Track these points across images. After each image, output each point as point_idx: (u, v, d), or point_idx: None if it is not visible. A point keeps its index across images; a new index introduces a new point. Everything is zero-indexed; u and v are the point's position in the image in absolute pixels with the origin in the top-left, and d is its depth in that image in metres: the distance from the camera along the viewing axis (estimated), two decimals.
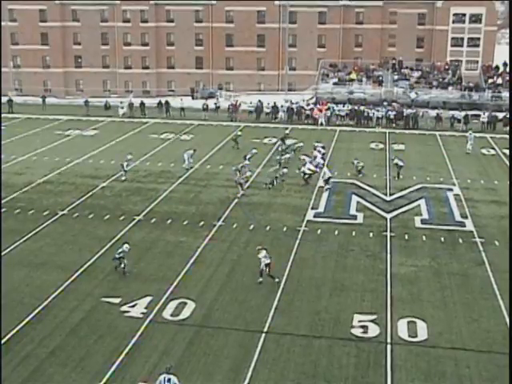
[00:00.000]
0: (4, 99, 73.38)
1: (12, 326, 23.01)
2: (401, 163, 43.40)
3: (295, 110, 65.30)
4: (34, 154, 49.32)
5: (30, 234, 32.35)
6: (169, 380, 18.31)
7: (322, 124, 62.25)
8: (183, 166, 45.19)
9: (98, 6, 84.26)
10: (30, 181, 42.02)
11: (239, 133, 51.63)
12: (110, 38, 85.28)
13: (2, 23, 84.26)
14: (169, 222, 34.36)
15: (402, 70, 76.34)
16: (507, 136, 55.96)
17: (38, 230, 33.08)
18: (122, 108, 67.96)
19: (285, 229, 33.45)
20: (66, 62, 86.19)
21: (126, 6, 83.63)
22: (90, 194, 39.40)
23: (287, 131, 55.49)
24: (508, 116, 60.11)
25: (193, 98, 75.05)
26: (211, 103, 68.94)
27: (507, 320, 23.84)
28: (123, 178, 42.35)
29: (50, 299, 25.29)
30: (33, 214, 35.56)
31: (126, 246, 28.20)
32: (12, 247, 30.62)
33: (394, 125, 61.77)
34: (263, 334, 22.73)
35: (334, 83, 73.71)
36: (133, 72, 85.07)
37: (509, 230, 33.63)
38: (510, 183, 41.92)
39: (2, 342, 22.04)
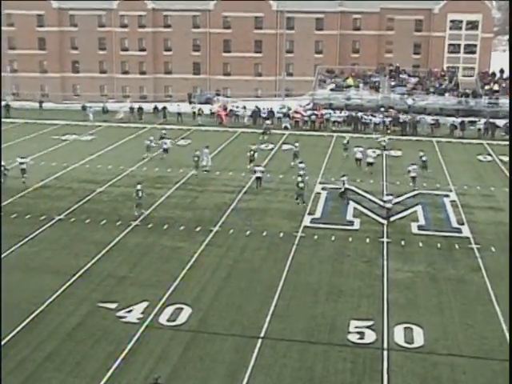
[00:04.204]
0: (1, 104, 73.40)
1: (8, 331, 22.97)
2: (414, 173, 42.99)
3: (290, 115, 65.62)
4: (30, 159, 49.18)
5: (26, 239, 32.31)
6: None
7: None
8: (203, 163, 45.68)
9: (96, 11, 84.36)
10: (27, 185, 41.96)
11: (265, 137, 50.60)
12: (107, 43, 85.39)
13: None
14: (165, 227, 34.35)
15: (399, 76, 76.51)
16: (505, 142, 56.08)
17: (34, 234, 33.05)
18: (121, 113, 68.11)
19: (281, 234, 33.46)
20: (63, 66, 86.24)
21: (124, 12, 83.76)
22: (87, 198, 39.38)
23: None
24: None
25: (190, 104, 75.03)
26: (206, 109, 69.07)
27: (503, 326, 23.86)
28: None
29: (46, 304, 25.26)
30: (29, 218, 35.53)
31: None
32: (8, 251, 30.58)
33: (389, 131, 61.80)
34: (259, 340, 22.72)
35: (331, 89, 73.83)
36: (130, 77, 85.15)
37: (509, 234, 33.70)
38: (510, 189, 41.88)
39: None
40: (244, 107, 68.49)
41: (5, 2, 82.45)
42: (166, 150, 50.49)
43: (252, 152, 47.39)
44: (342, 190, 39.88)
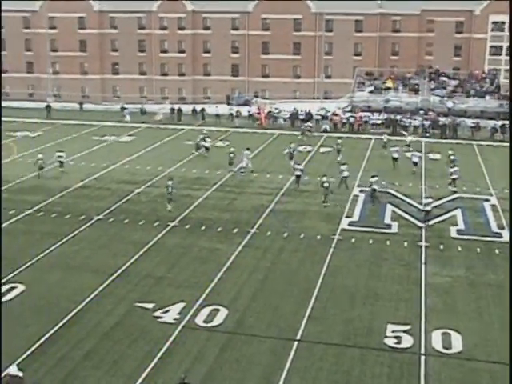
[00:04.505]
0: (43, 105, 74.67)
1: (48, 329, 23.31)
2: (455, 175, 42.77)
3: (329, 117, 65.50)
4: (71, 159, 49.90)
5: (66, 238, 32.74)
6: None
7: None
8: (243, 165, 45.97)
9: (136, 14, 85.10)
10: (67, 185, 42.55)
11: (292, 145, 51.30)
12: (147, 45, 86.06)
13: (42, 30, 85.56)
14: (203, 228, 34.50)
15: (439, 79, 75.67)
16: None
17: (74, 233, 33.47)
18: (159, 114, 68.75)
19: (319, 237, 33.36)
20: (104, 68, 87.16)
21: (164, 14, 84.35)
22: (126, 199, 39.76)
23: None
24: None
25: (228, 105, 75.25)
26: (244, 110, 69.28)
27: None
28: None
29: (85, 302, 25.56)
30: (69, 218, 36.00)
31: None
32: (49, 250, 31.03)
33: (428, 134, 61.24)
34: (296, 342, 22.67)
35: (370, 91, 73.37)
36: (169, 79, 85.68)
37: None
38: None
39: (39, 343, 22.35)
40: (277, 108, 68.60)
41: (48, 6, 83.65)
42: (207, 149, 51.85)
43: (291, 149, 48.26)
44: (370, 190, 39.98)
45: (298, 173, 42.76)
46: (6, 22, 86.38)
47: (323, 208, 38.28)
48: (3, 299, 25.79)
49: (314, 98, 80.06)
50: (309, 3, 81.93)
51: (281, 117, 67.09)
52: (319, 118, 65.57)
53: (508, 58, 78.91)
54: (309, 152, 53.78)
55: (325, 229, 34.59)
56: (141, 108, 71.46)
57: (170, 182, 38.19)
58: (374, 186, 39.94)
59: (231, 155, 47.27)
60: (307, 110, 66.56)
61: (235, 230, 34.14)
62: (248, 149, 47.83)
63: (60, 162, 46.86)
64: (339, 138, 51.68)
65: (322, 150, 55.08)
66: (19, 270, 28.65)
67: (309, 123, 62.81)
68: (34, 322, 23.92)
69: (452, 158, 46.69)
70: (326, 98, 78.09)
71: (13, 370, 18.15)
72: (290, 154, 48.53)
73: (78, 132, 62.22)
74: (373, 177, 40.63)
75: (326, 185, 39.31)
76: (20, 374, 18.31)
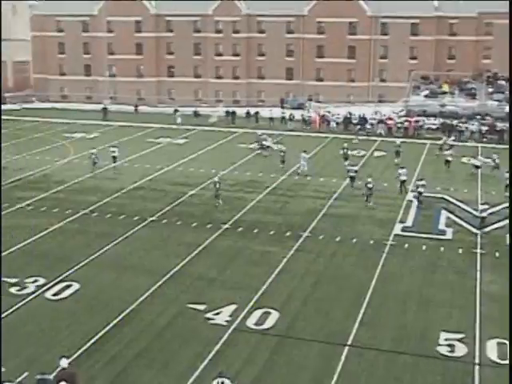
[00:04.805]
0: (99, 107, 76.01)
1: (101, 327, 23.66)
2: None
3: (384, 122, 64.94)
4: (125, 161, 50.66)
5: (120, 238, 33.19)
6: (222, 383, 18.56)
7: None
8: (300, 168, 46.13)
9: (192, 17, 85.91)
10: (122, 186, 43.17)
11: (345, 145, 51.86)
12: (202, 48, 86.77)
13: (100, 34, 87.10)
14: (255, 231, 34.55)
15: (497, 83, 74.23)
16: None
17: (128, 234, 33.91)
18: (214, 116, 69.30)
19: (372, 242, 33.07)
20: (159, 71, 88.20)
21: (219, 17, 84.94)
22: (179, 201, 40.11)
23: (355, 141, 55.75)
24: None
25: (282, 108, 75.25)
26: (298, 114, 69.23)
27: None
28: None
29: (137, 302, 25.84)
30: (123, 218, 36.50)
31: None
32: (102, 250, 31.50)
33: (485, 139, 60.18)
34: (346, 347, 22.50)
35: (426, 96, 72.46)
36: (223, 82, 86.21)
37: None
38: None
39: (92, 341, 22.72)
40: (329, 112, 68.41)
41: (106, 10, 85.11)
42: (267, 148, 53.40)
43: (345, 150, 49.37)
44: (416, 194, 39.93)
45: (352, 174, 42.74)
46: (66, 26, 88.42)
47: (376, 212, 37.95)
48: (59, 296, 26.33)
49: (367, 102, 79.48)
50: (364, 6, 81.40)
51: (333, 120, 66.79)
52: (374, 122, 65.03)
53: None
54: (362, 156, 53.37)
55: (378, 234, 34.27)
56: (194, 110, 72.01)
57: (216, 179, 39.68)
58: (420, 189, 39.61)
59: (281, 153, 48.41)
60: (361, 114, 66.13)
61: (288, 234, 34.10)
62: (305, 151, 47.79)
63: (113, 156, 48.93)
64: (398, 140, 51.79)
65: (376, 154, 54.64)
66: (74, 268, 29.17)
67: (369, 126, 62.80)
68: (87, 320, 24.32)
69: (497, 161, 46.58)
70: (380, 102, 77.50)
71: (63, 363, 18.53)
72: (344, 155, 49.59)
73: (133, 134, 63.11)
74: (419, 180, 40.61)
75: (369, 186, 39.40)
76: (67, 364, 18.68)
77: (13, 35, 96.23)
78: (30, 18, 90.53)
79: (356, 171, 43.26)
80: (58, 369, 18.64)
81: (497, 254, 31.48)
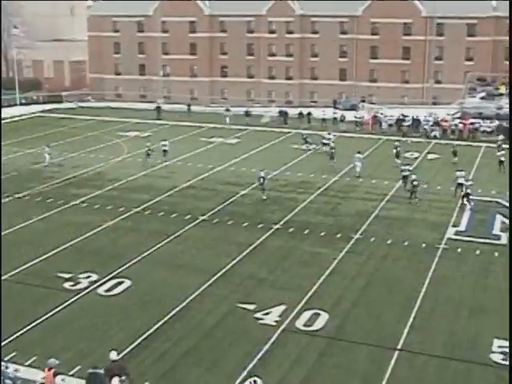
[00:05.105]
0: (153, 106, 76.91)
1: (151, 324, 23.94)
2: None
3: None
4: (178, 160, 51.13)
5: (172, 237, 33.52)
6: (255, 382, 18.66)
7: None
8: (357, 169, 46.13)
9: (245, 18, 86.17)
10: (174, 185, 43.59)
11: (397, 143, 52.12)
12: (255, 49, 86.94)
13: (155, 34, 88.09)
14: (306, 232, 34.48)
15: None
16: None
17: (179, 232, 34.22)
18: (266, 116, 69.44)
19: (424, 245, 32.66)
20: (213, 71, 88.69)
21: (272, 18, 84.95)
22: (230, 200, 40.29)
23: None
24: None
25: (334, 109, 74.85)
26: (350, 115, 68.81)
27: None
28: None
29: (187, 301, 26.06)
30: (175, 217, 36.84)
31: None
32: (155, 248, 31.86)
33: None
34: (396, 351, 22.27)
35: (482, 98, 71.15)
36: (276, 82, 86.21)
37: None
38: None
39: (143, 337, 23.01)
40: (382, 113, 67.80)
41: (161, 10, 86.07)
42: (326, 145, 53.88)
43: (398, 148, 49.85)
44: (464, 192, 39.59)
45: (405, 173, 42.35)
46: (122, 26, 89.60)
47: (429, 216, 37.46)
48: (111, 292, 26.75)
49: (422, 104, 78.50)
50: (419, 7, 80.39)
51: (386, 122, 66.13)
52: (428, 123, 64.15)
53: None
54: (416, 158, 52.70)
55: (430, 237, 33.82)
56: (245, 110, 72.22)
57: (262, 174, 40.64)
58: (468, 191, 39.14)
59: (332, 150, 49.52)
60: (415, 116, 65.33)
61: (338, 235, 33.93)
62: (359, 152, 47.50)
63: (164, 150, 50.53)
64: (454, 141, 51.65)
65: (430, 156, 53.87)
66: (126, 265, 29.58)
67: (429, 128, 62.41)
68: (138, 317, 24.64)
69: None
70: (434, 104, 76.45)
71: (113, 355, 18.86)
72: (396, 153, 50.10)
73: (186, 133, 63.63)
74: (467, 181, 40.45)
75: (415, 183, 39.76)
76: (117, 357, 19.02)
77: (70, 35, 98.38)
78: (87, 19, 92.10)
79: (410, 170, 42.80)
80: (109, 362, 18.97)
81: None
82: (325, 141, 54.85)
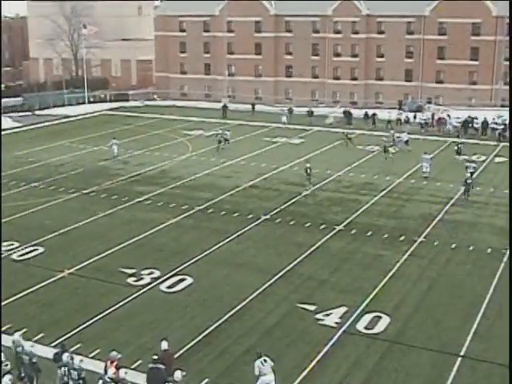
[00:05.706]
0: (218, 105, 77.52)
1: (212, 322, 24.12)
2: None
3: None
4: (242, 159, 51.36)
5: (233, 236, 33.68)
6: (265, 360, 18.93)
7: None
8: (424, 170, 45.95)
9: (311, 18, 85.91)
10: (237, 184, 43.81)
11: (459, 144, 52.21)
12: (320, 49, 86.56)
13: (220, 34, 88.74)
14: (368, 234, 34.16)
15: None
16: None
17: (241, 232, 34.36)
18: (330, 117, 69.17)
19: (489, 250, 31.93)
20: (277, 71, 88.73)
21: (338, 18, 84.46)
22: (293, 201, 40.23)
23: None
24: None
25: (400, 110, 73.94)
26: (413, 116, 67.96)
27: None
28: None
29: (248, 300, 26.16)
30: (237, 216, 37.01)
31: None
32: (216, 247, 32.08)
33: None
34: (459, 358, 21.85)
35: None
36: (341, 83, 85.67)
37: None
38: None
39: (203, 334, 23.22)
40: (448, 115, 66.62)
41: (227, 10, 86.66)
42: (406, 142, 55.47)
43: (459, 145, 50.54)
44: None
45: (471, 170, 41.92)
46: (188, 26, 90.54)
47: (496, 220, 36.62)
48: (173, 289, 27.07)
49: (490, 106, 76.79)
50: (490, 6, 78.64)
51: (452, 124, 64.92)
52: (495, 126, 62.67)
53: None
54: (483, 161, 51.54)
55: (496, 242, 33.04)
56: (308, 110, 71.98)
57: (308, 165, 42.72)
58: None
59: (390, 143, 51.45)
60: (482, 118, 63.91)
61: (401, 238, 33.50)
62: (426, 152, 46.85)
63: (225, 139, 55.03)
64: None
65: (497, 159, 52.60)
66: (188, 263, 29.89)
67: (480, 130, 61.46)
68: (199, 314, 24.88)
69: None
70: (503, 106, 74.64)
71: (164, 345, 19.30)
72: (457, 149, 51.18)
73: (250, 133, 63.87)
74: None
75: (469, 181, 40.46)
76: (168, 347, 19.64)
77: (138, 35, 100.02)
78: (154, 19, 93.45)
79: (475, 167, 42.27)
80: (160, 351, 19.37)
81: None
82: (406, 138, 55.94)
